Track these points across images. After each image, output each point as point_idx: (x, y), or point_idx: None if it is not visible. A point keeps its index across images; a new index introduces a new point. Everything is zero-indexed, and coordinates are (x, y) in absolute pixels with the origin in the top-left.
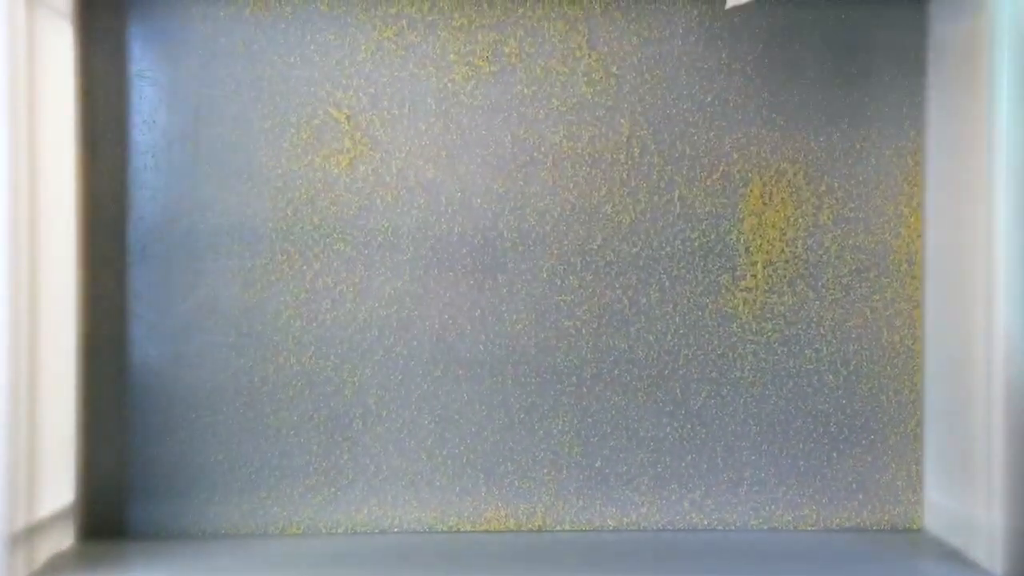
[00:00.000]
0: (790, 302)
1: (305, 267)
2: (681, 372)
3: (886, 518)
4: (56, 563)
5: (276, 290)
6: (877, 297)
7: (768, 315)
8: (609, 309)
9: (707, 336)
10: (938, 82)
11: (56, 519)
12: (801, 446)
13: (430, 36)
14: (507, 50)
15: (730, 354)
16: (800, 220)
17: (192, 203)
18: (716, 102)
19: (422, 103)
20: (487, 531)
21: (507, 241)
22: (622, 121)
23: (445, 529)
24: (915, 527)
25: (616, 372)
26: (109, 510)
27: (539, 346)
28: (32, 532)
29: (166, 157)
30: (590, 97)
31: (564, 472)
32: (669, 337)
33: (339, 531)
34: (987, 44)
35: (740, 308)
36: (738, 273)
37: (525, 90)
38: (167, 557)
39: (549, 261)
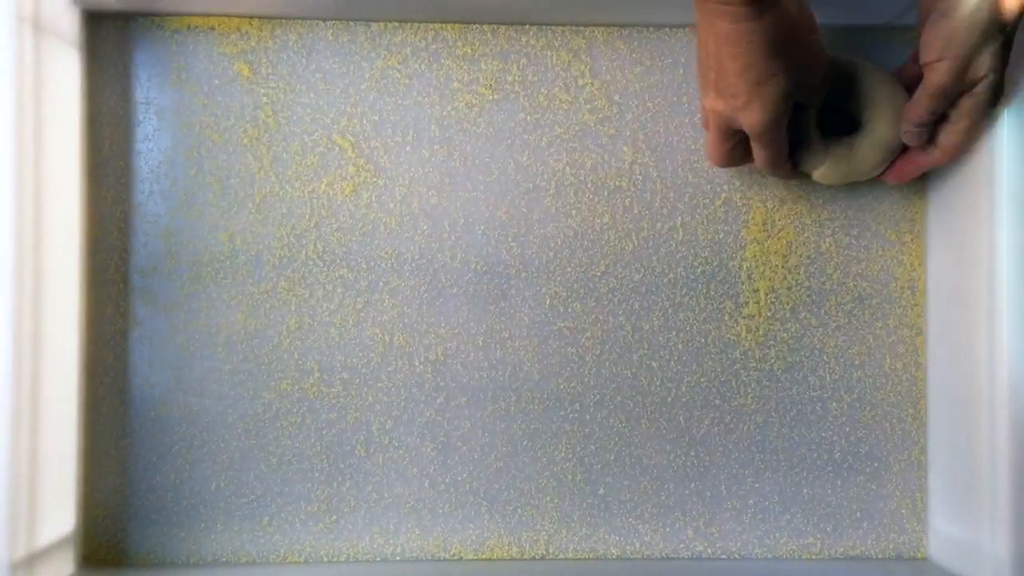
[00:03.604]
0: (793, 329)
1: (308, 293)
2: (684, 399)
3: (890, 546)
4: None
5: (278, 316)
6: (880, 324)
7: (771, 342)
8: (612, 336)
9: (710, 363)
10: None
11: (56, 547)
12: (804, 474)
13: (434, 64)
14: (510, 78)
15: (733, 381)
16: (802, 247)
17: (195, 230)
18: None
19: (425, 130)
20: (490, 559)
21: (510, 268)
22: (624, 148)
23: (448, 557)
24: (920, 555)
25: (619, 399)
26: (110, 538)
27: (542, 373)
28: (32, 560)
29: (170, 184)
30: (592, 125)
31: (567, 500)
32: (672, 364)
33: (341, 559)
34: None
35: (743, 335)
36: (741, 300)
37: (528, 118)
38: None
39: (552, 288)
